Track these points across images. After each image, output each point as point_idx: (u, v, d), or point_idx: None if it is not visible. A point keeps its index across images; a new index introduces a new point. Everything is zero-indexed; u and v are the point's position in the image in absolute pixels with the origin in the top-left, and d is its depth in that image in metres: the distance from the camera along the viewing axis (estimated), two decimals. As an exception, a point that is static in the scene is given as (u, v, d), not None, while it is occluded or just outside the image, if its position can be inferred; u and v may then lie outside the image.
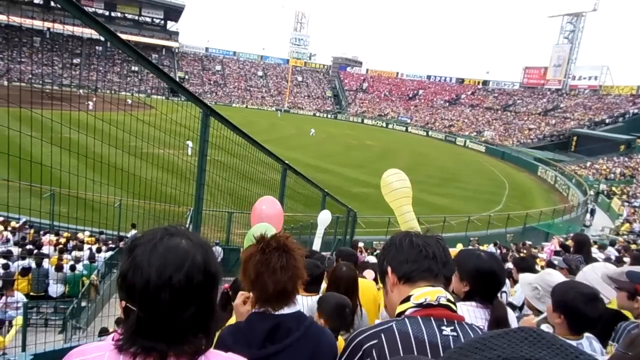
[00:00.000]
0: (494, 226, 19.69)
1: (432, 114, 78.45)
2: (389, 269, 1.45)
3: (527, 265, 4.47)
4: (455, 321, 1.30)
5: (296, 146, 35.84)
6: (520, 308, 3.65)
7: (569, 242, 8.69)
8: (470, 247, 7.45)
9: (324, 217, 4.98)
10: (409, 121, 76.36)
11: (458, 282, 2.10)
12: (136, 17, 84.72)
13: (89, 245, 10.25)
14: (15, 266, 8.19)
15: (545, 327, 2.47)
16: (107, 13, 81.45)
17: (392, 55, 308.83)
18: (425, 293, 1.33)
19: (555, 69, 69.74)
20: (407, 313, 1.32)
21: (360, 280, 3.51)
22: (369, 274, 3.60)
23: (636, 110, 53.28)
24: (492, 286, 2.11)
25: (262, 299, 1.66)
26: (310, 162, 28.45)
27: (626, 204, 26.06)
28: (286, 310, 1.66)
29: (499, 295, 2.21)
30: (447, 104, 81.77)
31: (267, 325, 1.63)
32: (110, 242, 11.16)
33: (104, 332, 5.72)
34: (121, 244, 10.94)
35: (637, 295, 2.43)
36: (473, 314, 2.02)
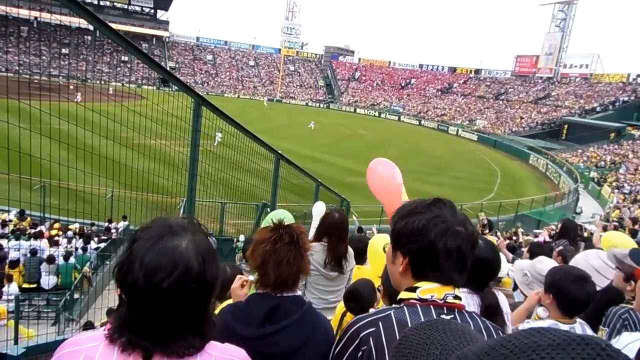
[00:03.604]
0: (486, 214, 19.79)
1: (425, 103, 78.44)
2: (406, 260, 1.32)
3: (542, 252, 4.44)
4: (456, 309, 1.29)
5: (289, 136, 35.72)
6: None
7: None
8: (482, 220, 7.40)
9: (319, 209, 4.97)
10: (401, 110, 76.30)
11: None
12: (125, 6, 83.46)
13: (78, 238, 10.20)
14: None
15: (541, 311, 2.50)
16: (95, 2, 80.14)
17: (385, 44, 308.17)
18: (433, 290, 1.28)
19: (547, 57, 69.87)
20: (407, 302, 1.30)
21: (361, 268, 3.58)
22: None
23: (626, 98, 53.62)
24: (485, 274, 2.11)
25: (262, 284, 1.72)
26: (303, 152, 28.39)
27: (616, 191, 26.33)
28: (286, 293, 1.71)
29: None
30: (440, 92, 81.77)
31: (266, 306, 1.67)
32: (101, 234, 11.10)
33: (88, 325, 5.69)
34: (114, 235, 10.89)
35: (632, 280, 2.47)
36: (466, 300, 2.03)
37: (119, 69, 71.53)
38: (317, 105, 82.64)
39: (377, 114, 75.36)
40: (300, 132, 41.58)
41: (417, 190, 22.75)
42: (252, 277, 1.91)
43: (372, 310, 2.37)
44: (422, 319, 1.22)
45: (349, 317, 2.46)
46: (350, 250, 3.29)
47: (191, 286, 1.03)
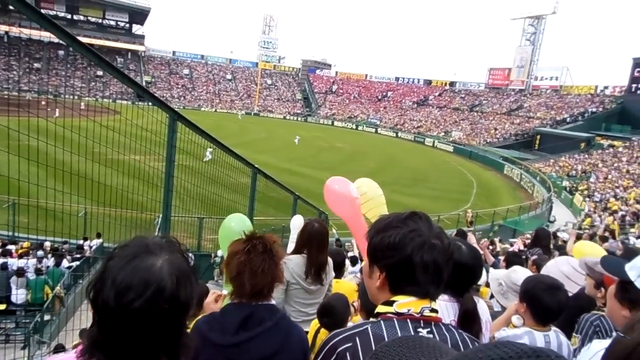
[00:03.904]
0: (463, 225, 20.05)
1: (401, 115, 79.44)
2: (383, 274, 1.32)
3: (518, 261, 4.51)
4: (432, 322, 1.28)
5: (267, 149, 35.66)
6: None
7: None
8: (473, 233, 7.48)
9: (297, 222, 4.94)
10: (378, 123, 77.09)
11: None
12: (100, 21, 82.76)
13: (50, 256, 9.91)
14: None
15: (515, 319, 2.53)
16: (69, 16, 79.15)
17: (361, 58, 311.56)
18: (410, 303, 1.28)
19: (519, 69, 71.79)
20: (384, 316, 1.29)
21: (340, 282, 3.57)
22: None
23: (594, 109, 55.38)
24: (465, 280, 2.11)
25: (238, 294, 1.74)
26: (281, 165, 28.36)
27: (587, 199, 27.00)
28: (260, 302, 1.75)
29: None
30: (416, 105, 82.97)
31: (241, 314, 1.71)
32: (74, 252, 10.81)
33: (59, 349, 5.51)
34: (87, 253, 10.62)
35: (602, 287, 2.52)
36: (446, 308, 2.02)
37: (93, 83, 70.47)
38: (295, 118, 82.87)
39: (354, 126, 75.94)
40: (278, 145, 41.57)
41: (395, 202, 22.93)
42: (225, 292, 1.92)
43: (349, 324, 2.36)
44: (399, 333, 1.22)
45: (323, 333, 2.44)
46: (330, 261, 3.27)
47: (163, 307, 1.00)
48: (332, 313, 2.40)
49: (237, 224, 3.18)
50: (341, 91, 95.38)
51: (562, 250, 6.26)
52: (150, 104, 4.05)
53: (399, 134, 68.15)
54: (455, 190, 29.34)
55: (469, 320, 1.97)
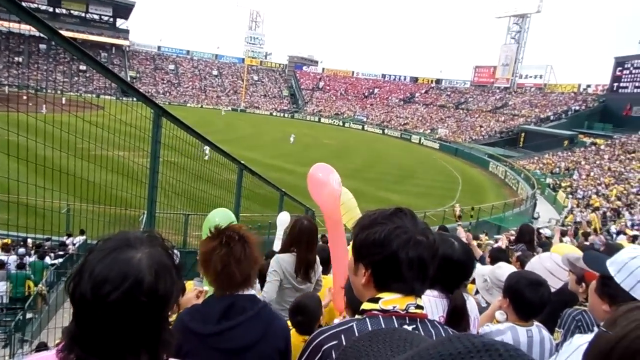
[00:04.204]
0: (448, 221, 20.13)
1: (388, 112, 79.69)
2: (369, 272, 1.31)
3: (503, 257, 4.54)
4: (418, 319, 1.29)
5: (253, 146, 35.51)
6: None
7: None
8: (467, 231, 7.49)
9: (283, 219, 4.94)
10: (365, 119, 77.22)
11: None
12: (83, 14, 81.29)
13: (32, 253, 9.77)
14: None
15: (499, 314, 2.56)
16: (51, 9, 77.72)
17: (348, 55, 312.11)
18: (395, 300, 1.28)
19: (504, 68, 72.47)
20: (369, 313, 1.29)
21: (327, 278, 3.56)
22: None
23: (577, 107, 56.21)
24: (456, 277, 2.12)
25: (227, 287, 1.77)
26: (267, 161, 28.27)
27: (570, 196, 27.41)
28: (242, 292, 1.79)
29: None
30: (402, 102, 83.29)
31: (223, 304, 1.75)
32: (57, 249, 10.65)
33: (42, 347, 5.43)
34: (71, 250, 10.47)
35: (583, 282, 2.56)
36: (434, 304, 2.02)
37: (76, 78, 69.36)
38: (282, 115, 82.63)
39: (341, 123, 75.97)
40: (265, 141, 41.42)
41: (382, 198, 23.10)
42: (207, 288, 1.93)
43: (335, 320, 2.36)
44: None
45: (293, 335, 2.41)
46: (318, 259, 3.26)
47: (141, 300, 0.99)
48: (304, 312, 2.41)
49: (221, 219, 3.13)
50: (328, 88, 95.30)
51: (546, 247, 6.35)
52: (134, 99, 4.00)
53: (386, 131, 68.37)
54: (441, 187, 29.56)
55: (457, 316, 1.98)
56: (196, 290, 2.04)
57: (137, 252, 1.03)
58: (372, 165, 35.07)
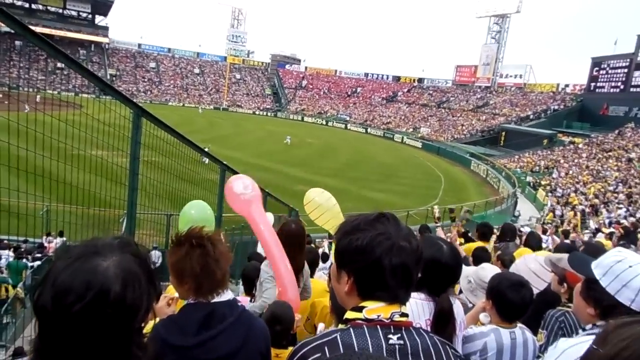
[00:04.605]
0: (431, 220, 20.34)
1: (371, 111, 80.00)
2: (351, 279, 1.28)
3: (485, 256, 4.58)
4: (403, 327, 1.26)
5: (236, 145, 35.30)
6: None
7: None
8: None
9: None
10: (348, 118, 77.39)
11: None
12: (60, 11, 79.70)
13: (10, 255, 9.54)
14: None
15: (482, 316, 2.56)
16: (27, 5, 76.02)
17: (331, 53, 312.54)
18: (379, 309, 1.25)
19: (485, 67, 73.37)
20: (353, 322, 1.26)
21: (313, 281, 3.52)
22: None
23: (556, 107, 57.23)
24: (444, 280, 2.11)
25: (204, 291, 1.70)
26: (250, 160, 28.11)
27: (550, 194, 27.88)
28: (219, 298, 1.72)
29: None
30: (385, 101, 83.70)
31: (202, 313, 1.68)
32: (35, 251, 10.43)
33: (19, 352, 5.28)
34: (50, 252, 10.26)
35: (565, 282, 2.58)
36: (421, 307, 2.01)
37: (54, 76, 67.97)
38: (265, 113, 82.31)
39: (324, 122, 75.99)
40: (248, 140, 41.20)
41: (365, 197, 23.18)
42: (177, 294, 1.87)
43: (319, 328, 2.34)
44: (369, 341, 1.20)
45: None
46: (306, 265, 3.19)
47: (105, 311, 0.94)
48: (282, 321, 2.37)
49: (197, 212, 3.00)
50: (311, 86, 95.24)
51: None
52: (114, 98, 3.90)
53: (369, 130, 68.62)
54: (423, 186, 29.78)
55: (443, 320, 1.97)
56: (166, 297, 1.93)
57: (105, 260, 0.98)
58: (356, 164, 35.16)
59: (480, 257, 4.50)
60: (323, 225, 3.08)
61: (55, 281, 0.94)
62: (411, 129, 66.21)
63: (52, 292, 0.93)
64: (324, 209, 3.03)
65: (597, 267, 1.60)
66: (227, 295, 1.76)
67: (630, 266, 1.52)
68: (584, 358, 0.77)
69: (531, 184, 32.18)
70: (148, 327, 1.71)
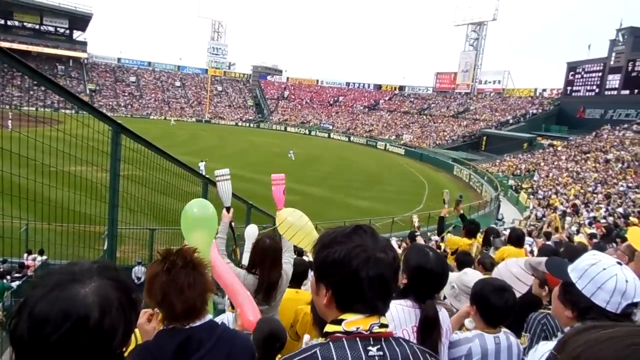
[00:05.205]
0: (420, 223, 20.45)
1: (353, 119, 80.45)
2: (330, 292, 1.29)
3: (468, 260, 4.63)
4: (382, 338, 1.26)
5: (220, 157, 35.08)
6: None
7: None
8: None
9: (251, 232, 4.83)
10: (331, 127, 77.70)
11: (400, 273, 2.09)
12: (37, 26, 78.59)
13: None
14: None
15: (468, 322, 2.58)
16: (2, 22, 74.94)
17: (312, 64, 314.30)
18: (358, 321, 1.26)
19: (464, 74, 74.50)
20: (333, 336, 1.26)
21: (300, 292, 3.51)
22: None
23: (535, 111, 58.32)
24: (429, 286, 2.12)
25: (169, 318, 1.62)
26: (234, 172, 27.39)
27: (532, 196, 28.28)
28: (197, 323, 1.63)
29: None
30: (367, 109, 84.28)
31: (176, 341, 1.57)
32: (14, 271, 10.19)
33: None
34: (29, 272, 10.02)
35: (546, 285, 2.62)
36: (407, 314, 2.03)
37: (32, 92, 66.87)
38: (247, 124, 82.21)
39: (307, 131, 76.15)
40: (231, 152, 41.02)
41: (349, 205, 23.25)
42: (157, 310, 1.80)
43: (305, 339, 2.32)
44: (349, 354, 1.20)
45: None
46: (284, 278, 3.17)
47: (82, 341, 0.93)
48: (280, 337, 2.34)
49: (200, 210, 2.77)
50: (293, 97, 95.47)
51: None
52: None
53: (352, 138, 68.94)
54: (407, 192, 29.95)
55: (429, 327, 1.98)
56: (147, 313, 1.84)
57: (83, 287, 0.97)
58: (339, 172, 35.23)
59: (463, 261, 4.55)
60: (298, 243, 3.07)
61: (32, 311, 0.92)
62: (394, 136, 66.71)
63: (29, 322, 0.91)
64: (297, 228, 3.02)
65: (573, 271, 1.63)
66: (204, 318, 1.66)
67: (604, 269, 1.55)
68: None
69: (513, 187, 32.61)
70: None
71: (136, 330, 1.08)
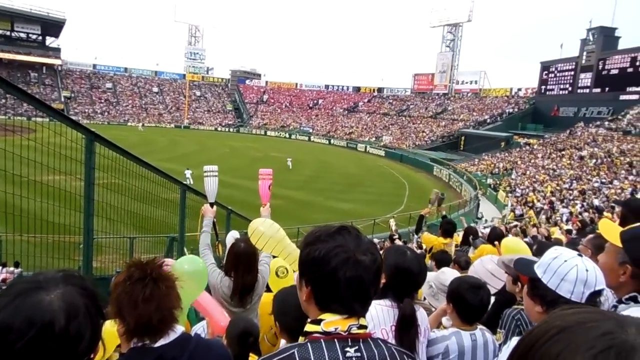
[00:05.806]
0: (397, 226, 20.61)
1: (333, 122, 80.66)
2: (309, 289, 1.30)
3: (446, 258, 4.68)
4: (360, 340, 1.27)
5: (199, 162, 34.56)
6: None
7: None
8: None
9: (232, 238, 4.82)
10: (311, 130, 77.76)
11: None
12: (8, 33, 76.79)
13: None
14: None
15: (445, 320, 2.63)
16: (-29, 29, 73.15)
17: (291, 67, 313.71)
18: (337, 322, 1.26)
19: (441, 75, 75.44)
20: (311, 336, 1.27)
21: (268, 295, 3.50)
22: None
23: (511, 110, 59.39)
24: (406, 285, 2.14)
25: (127, 332, 1.53)
26: (214, 178, 27.71)
27: (510, 194, 28.76)
28: (166, 340, 1.54)
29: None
30: (346, 112, 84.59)
31: None
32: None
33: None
34: (4, 285, 9.78)
35: (519, 281, 2.67)
36: (386, 313, 2.06)
37: (3, 100, 65.39)
38: (227, 129, 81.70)
39: (287, 135, 76.07)
40: (211, 157, 40.67)
41: (331, 208, 23.29)
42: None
43: (282, 343, 2.33)
44: (326, 354, 1.21)
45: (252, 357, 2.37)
46: (260, 281, 3.17)
47: (49, 346, 0.93)
48: (252, 332, 2.36)
49: (190, 266, 2.84)
50: (272, 101, 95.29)
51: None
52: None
53: (332, 141, 69.12)
54: (388, 194, 30.15)
55: (406, 325, 2.01)
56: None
57: (48, 294, 0.97)
58: (321, 175, 35.29)
59: (441, 260, 4.61)
60: (271, 252, 3.08)
61: None
62: (373, 138, 67.09)
63: None
64: (267, 237, 3.03)
65: (539, 267, 1.69)
66: (175, 334, 1.57)
67: (565, 261, 1.61)
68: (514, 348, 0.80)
69: (492, 185, 33.11)
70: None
71: (104, 337, 1.06)
